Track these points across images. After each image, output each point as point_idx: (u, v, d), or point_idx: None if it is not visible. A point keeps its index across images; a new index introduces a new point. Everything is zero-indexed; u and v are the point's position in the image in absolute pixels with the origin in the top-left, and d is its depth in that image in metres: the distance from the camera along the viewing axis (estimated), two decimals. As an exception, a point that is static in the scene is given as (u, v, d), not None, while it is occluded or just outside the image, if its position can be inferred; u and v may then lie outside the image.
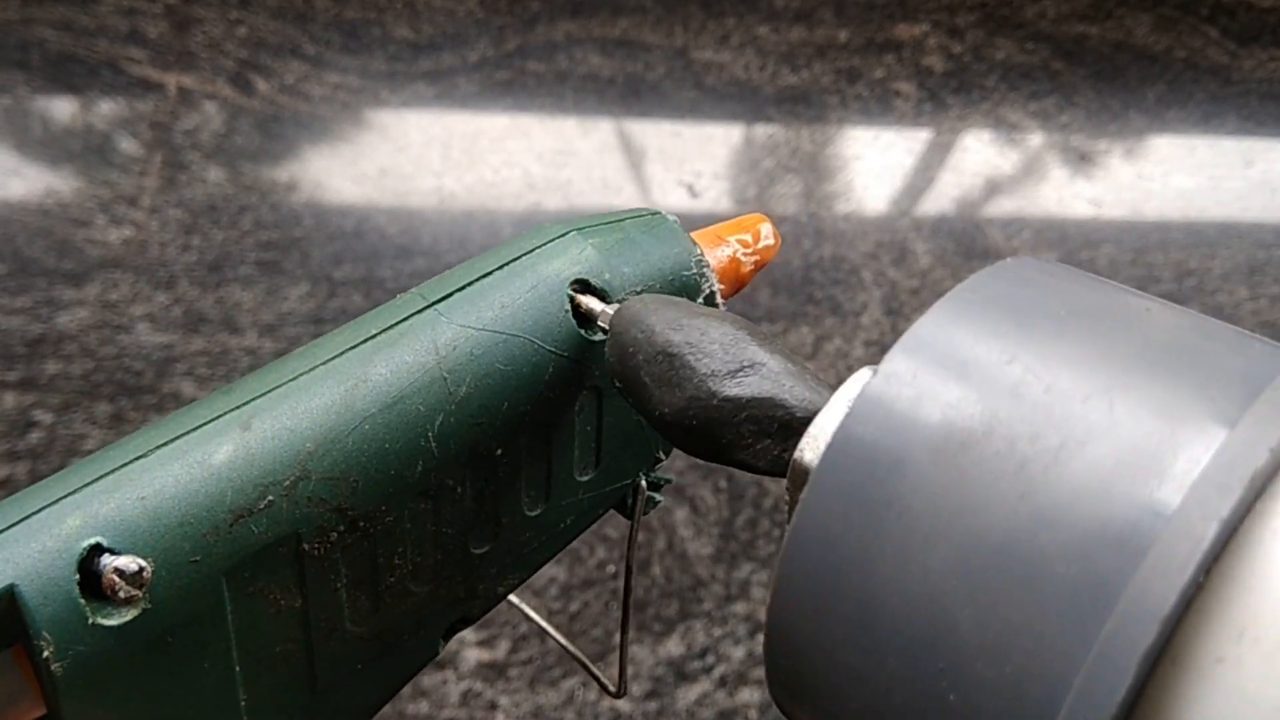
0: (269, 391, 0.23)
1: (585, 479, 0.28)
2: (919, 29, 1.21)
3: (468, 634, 0.77)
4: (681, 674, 0.78)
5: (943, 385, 0.17)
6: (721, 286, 0.28)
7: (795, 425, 0.21)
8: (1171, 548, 0.14)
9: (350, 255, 0.97)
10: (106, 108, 1.02)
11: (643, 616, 0.81)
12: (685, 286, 0.27)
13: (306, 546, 0.23)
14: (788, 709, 0.20)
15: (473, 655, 0.77)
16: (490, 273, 0.25)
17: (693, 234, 0.28)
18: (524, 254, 0.26)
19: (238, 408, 0.23)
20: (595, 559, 0.82)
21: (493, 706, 0.75)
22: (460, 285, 0.25)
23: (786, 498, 0.21)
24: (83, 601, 0.20)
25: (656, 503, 0.30)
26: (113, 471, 0.21)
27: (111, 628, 0.20)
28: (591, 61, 1.12)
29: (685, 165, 1.08)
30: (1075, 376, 0.17)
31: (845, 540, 0.18)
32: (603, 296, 0.26)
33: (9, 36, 1.03)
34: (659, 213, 0.28)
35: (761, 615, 0.81)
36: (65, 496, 0.21)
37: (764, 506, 0.87)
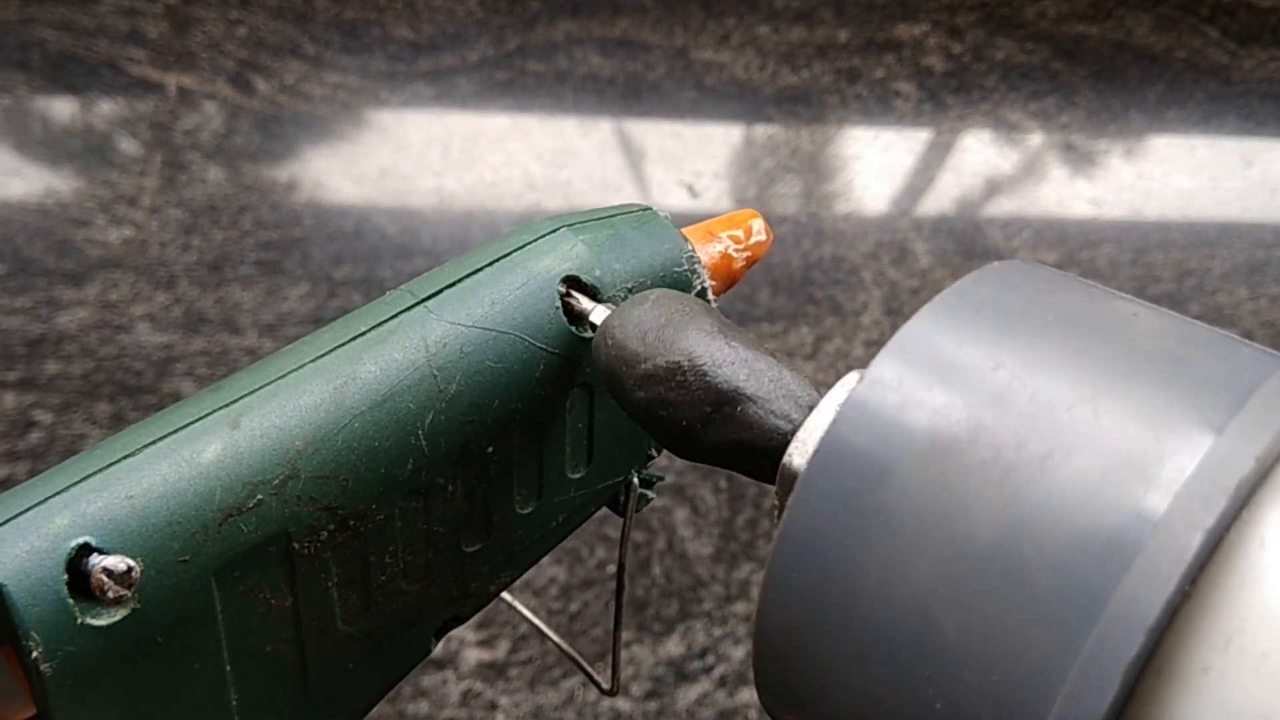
0: (258, 389, 0.23)
1: (577, 476, 0.28)
2: (919, 29, 1.21)
3: (468, 634, 0.77)
4: (681, 674, 0.78)
5: (928, 392, 0.17)
6: (713, 283, 0.28)
7: (778, 442, 0.21)
8: (1157, 557, 0.14)
9: (350, 255, 0.97)
10: (106, 108, 1.02)
11: (643, 616, 0.81)
12: (676, 283, 0.27)
13: (296, 545, 0.23)
14: (777, 715, 0.20)
15: (473, 655, 0.77)
16: (480, 269, 0.25)
17: (684, 230, 0.28)
18: (514, 250, 0.26)
19: (226, 406, 0.22)
20: (595, 559, 0.82)
21: (493, 706, 0.75)
22: (450, 282, 0.25)
23: (775, 502, 0.21)
24: (71, 601, 0.20)
25: (649, 500, 0.30)
26: (101, 470, 0.21)
27: (100, 627, 0.20)
28: (591, 61, 1.12)
29: (685, 165, 1.08)
30: (1061, 383, 0.16)
31: (832, 547, 0.18)
32: (593, 293, 0.26)
33: (9, 36, 1.03)
34: (650, 208, 0.28)
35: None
36: (53, 495, 0.21)
37: (764, 506, 0.87)
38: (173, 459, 0.21)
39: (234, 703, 0.23)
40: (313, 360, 0.23)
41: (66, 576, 0.20)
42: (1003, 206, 1.13)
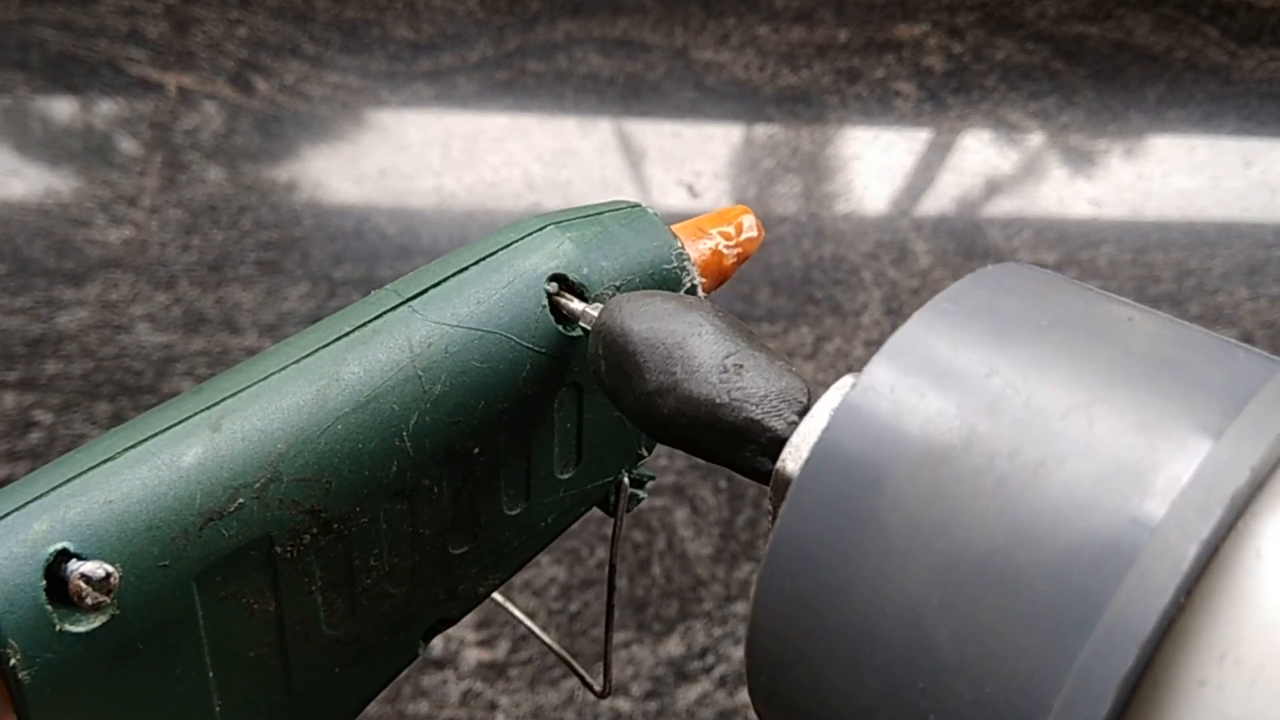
0: (239, 391, 0.22)
1: (566, 477, 0.28)
2: (919, 29, 1.21)
3: (468, 634, 0.77)
4: (681, 674, 0.78)
5: (922, 398, 0.17)
6: (703, 280, 0.28)
7: (776, 437, 0.21)
8: (1152, 568, 0.14)
9: (350, 255, 0.97)
10: (106, 108, 1.02)
11: (643, 616, 0.80)
12: (665, 280, 0.27)
13: (279, 549, 0.22)
14: (769, 723, 0.20)
15: (473, 655, 0.77)
16: (466, 268, 0.25)
17: (673, 227, 0.28)
18: (500, 249, 0.25)
19: (207, 408, 0.22)
20: (595, 559, 0.82)
21: (493, 706, 0.75)
22: (435, 281, 0.25)
23: (769, 506, 0.21)
24: (50, 608, 0.20)
25: (640, 500, 0.30)
26: (80, 475, 0.21)
27: (80, 634, 0.20)
28: (591, 61, 1.12)
29: (685, 165, 1.08)
30: (1055, 390, 0.16)
31: (825, 554, 0.17)
32: (580, 292, 0.25)
33: (9, 36, 1.03)
34: (638, 205, 0.28)
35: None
36: (32, 501, 0.20)
37: (764, 506, 0.87)
38: (152, 463, 0.21)
39: (217, 709, 0.23)
40: (296, 361, 0.23)
41: (45, 583, 0.20)
42: (1003, 206, 1.12)
